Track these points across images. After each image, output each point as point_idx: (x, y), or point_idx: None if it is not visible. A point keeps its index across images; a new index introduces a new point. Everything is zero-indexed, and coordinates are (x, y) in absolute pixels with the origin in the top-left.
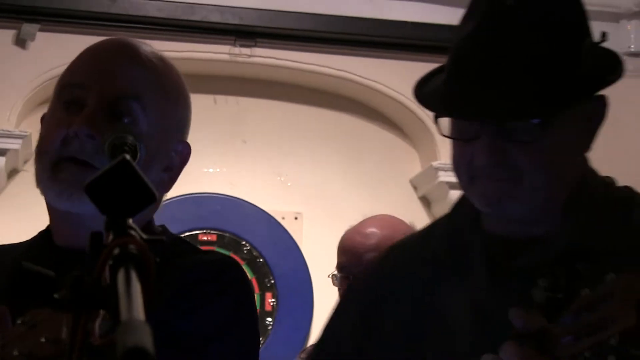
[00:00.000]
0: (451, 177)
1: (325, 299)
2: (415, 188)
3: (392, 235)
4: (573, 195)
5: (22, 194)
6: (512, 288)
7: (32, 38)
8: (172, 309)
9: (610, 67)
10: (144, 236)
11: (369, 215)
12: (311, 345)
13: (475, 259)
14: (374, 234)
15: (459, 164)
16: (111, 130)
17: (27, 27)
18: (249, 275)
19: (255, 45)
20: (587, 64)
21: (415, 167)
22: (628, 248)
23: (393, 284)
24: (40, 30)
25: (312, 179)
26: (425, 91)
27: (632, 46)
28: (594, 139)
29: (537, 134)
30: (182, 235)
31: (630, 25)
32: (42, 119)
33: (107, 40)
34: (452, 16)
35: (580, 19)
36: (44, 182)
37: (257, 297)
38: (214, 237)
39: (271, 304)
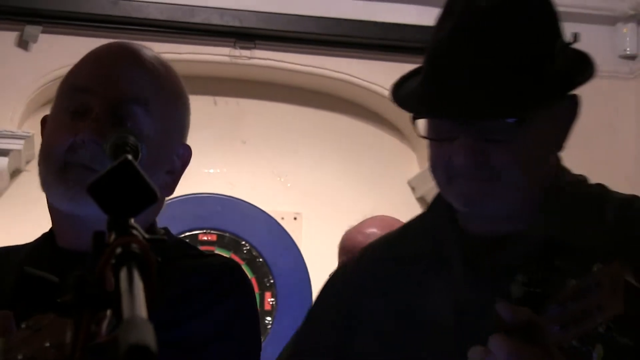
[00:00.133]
0: None
1: None
2: (413, 189)
3: None
4: (548, 192)
5: (24, 194)
6: (490, 284)
7: (35, 40)
8: (174, 311)
9: (581, 67)
10: (146, 236)
11: (367, 215)
12: None
13: (453, 257)
14: (374, 234)
15: (437, 164)
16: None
17: (29, 29)
18: (249, 275)
19: (254, 47)
20: (559, 64)
21: (413, 168)
22: (603, 243)
23: (371, 283)
24: (43, 32)
25: (311, 180)
26: (402, 93)
27: (628, 49)
28: (567, 137)
29: (513, 133)
30: (183, 235)
31: (626, 29)
32: (44, 121)
33: (110, 44)
34: None
35: (552, 20)
36: (49, 183)
37: (256, 296)
38: (214, 237)
39: (270, 303)
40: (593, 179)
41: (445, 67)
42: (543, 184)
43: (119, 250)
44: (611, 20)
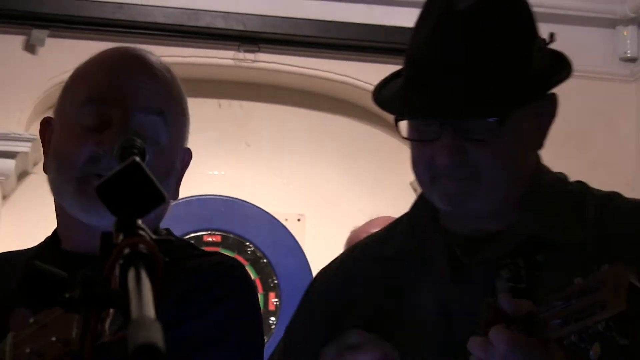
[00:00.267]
0: None
1: None
2: (415, 190)
3: None
4: (530, 190)
5: (32, 196)
6: (474, 282)
7: (42, 44)
8: (175, 311)
9: (559, 66)
10: (154, 236)
11: (371, 216)
12: None
13: (437, 256)
14: None
15: (419, 165)
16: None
17: (36, 33)
18: (253, 275)
19: (258, 51)
20: (537, 64)
21: None
22: (584, 239)
23: (356, 283)
24: (50, 36)
25: (314, 182)
26: (384, 95)
27: (629, 51)
28: (546, 135)
29: (494, 132)
30: (188, 237)
31: (626, 31)
32: (46, 123)
33: (117, 51)
34: None
35: (529, 21)
36: (67, 195)
37: (260, 297)
38: (218, 238)
39: (274, 303)
40: (594, 180)
41: (425, 69)
42: (524, 182)
43: (127, 250)
44: (612, 23)
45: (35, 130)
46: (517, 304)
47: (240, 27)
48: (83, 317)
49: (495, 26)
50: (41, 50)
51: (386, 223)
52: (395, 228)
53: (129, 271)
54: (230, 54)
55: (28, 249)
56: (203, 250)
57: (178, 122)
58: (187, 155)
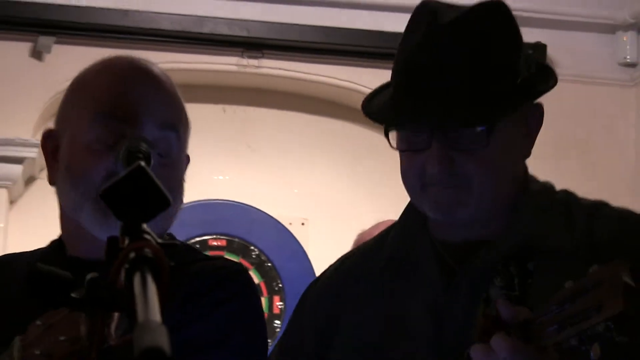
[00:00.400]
0: None
1: None
2: None
3: None
4: (519, 198)
5: (39, 201)
6: (465, 289)
7: (48, 50)
8: (180, 315)
9: (544, 76)
10: (159, 241)
11: (375, 219)
12: None
13: (427, 264)
14: None
15: (409, 174)
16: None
17: (43, 40)
18: (257, 279)
19: (262, 57)
20: (524, 75)
21: None
22: (575, 247)
23: (348, 292)
24: (56, 42)
25: (318, 186)
26: (373, 106)
27: (628, 57)
28: (533, 144)
29: (483, 141)
30: (193, 241)
31: (626, 37)
32: (48, 135)
33: (124, 63)
34: None
35: (514, 32)
36: (84, 212)
37: (265, 300)
38: (223, 242)
39: (279, 307)
40: (594, 185)
41: (413, 81)
42: (512, 190)
43: (132, 254)
44: (611, 28)
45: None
46: (515, 311)
47: (244, 34)
48: (89, 320)
49: (481, 38)
50: (48, 57)
51: None
52: (385, 237)
53: (134, 275)
54: (234, 60)
55: (32, 251)
56: (206, 255)
57: (185, 134)
58: (187, 161)
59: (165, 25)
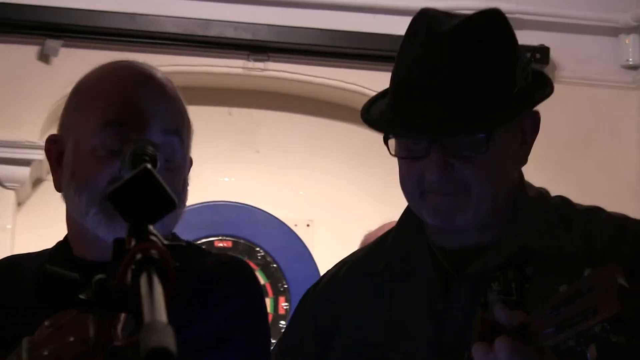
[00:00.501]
0: None
1: None
2: None
3: None
4: (516, 204)
5: (46, 203)
6: (464, 294)
7: (55, 53)
8: (183, 315)
9: (541, 85)
10: (165, 242)
11: (382, 220)
12: None
13: (425, 270)
14: None
15: (408, 181)
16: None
17: (50, 43)
18: (263, 280)
19: (268, 60)
20: (521, 83)
21: None
22: (573, 252)
23: (348, 294)
24: (63, 46)
25: (323, 188)
26: (372, 114)
27: (630, 59)
28: (529, 151)
29: (482, 148)
30: (199, 242)
31: (628, 39)
32: (53, 141)
33: (128, 70)
34: None
35: (511, 41)
36: (90, 215)
37: (270, 301)
38: (229, 244)
39: (284, 307)
40: (597, 186)
41: (413, 89)
42: (509, 196)
43: (139, 255)
44: (614, 31)
45: None
46: (511, 315)
47: (250, 37)
48: (96, 321)
49: (479, 46)
50: (55, 60)
51: None
52: (383, 243)
53: (141, 276)
54: (240, 63)
55: (39, 252)
56: (209, 252)
57: (188, 137)
58: (190, 164)
59: (172, 29)
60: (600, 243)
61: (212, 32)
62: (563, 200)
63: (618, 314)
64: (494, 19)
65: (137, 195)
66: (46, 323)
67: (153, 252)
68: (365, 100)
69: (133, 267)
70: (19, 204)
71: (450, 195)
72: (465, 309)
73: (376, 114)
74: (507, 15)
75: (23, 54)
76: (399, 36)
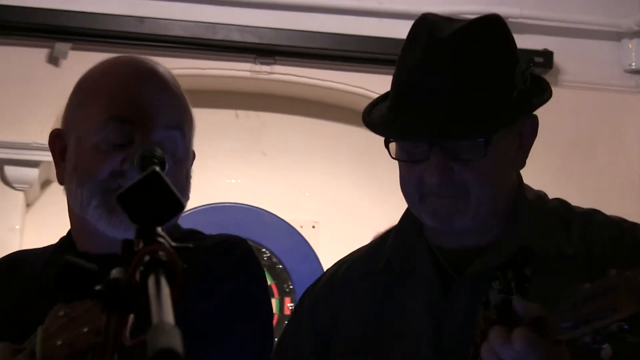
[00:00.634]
0: None
1: None
2: None
3: None
4: (515, 206)
5: (54, 204)
6: (464, 294)
7: (65, 56)
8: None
9: (540, 90)
10: (173, 244)
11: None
12: None
13: (425, 270)
14: None
15: (408, 184)
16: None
17: (59, 46)
18: (269, 280)
19: (274, 63)
20: (520, 88)
21: None
22: (573, 254)
23: (347, 293)
24: (72, 49)
25: (328, 190)
26: (373, 118)
27: (633, 63)
28: (527, 155)
29: (481, 152)
30: None
31: (631, 44)
32: (57, 135)
33: (132, 65)
34: None
35: (510, 46)
36: (91, 208)
37: (276, 301)
38: (238, 236)
39: (290, 308)
40: (599, 188)
41: (413, 93)
42: (507, 199)
43: (147, 257)
44: (617, 36)
45: None
46: (529, 306)
47: (257, 40)
48: (106, 320)
49: (479, 51)
50: (64, 63)
51: None
52: (383, 243)
53: (149, 278)
54: (247, 66)
55: (43, 247)
56: (206, 235)
57: (190, 131)
58: (193, 157)
59: (180, 32)
60: (599, 245)
61: (220, 35)
62: (561, 203)
63: (636, 314)
64: (493, 24)
65: (146, 198)
66: (61, 313)
67: (161, 254)
68: (369, 102)
69: (141, 268)
70: (28, 204)
71: (450, 198)
72: (465, 309)
73: (377, 117)
74: (511, 19)
75: (33, 56)
76: (403, 40)
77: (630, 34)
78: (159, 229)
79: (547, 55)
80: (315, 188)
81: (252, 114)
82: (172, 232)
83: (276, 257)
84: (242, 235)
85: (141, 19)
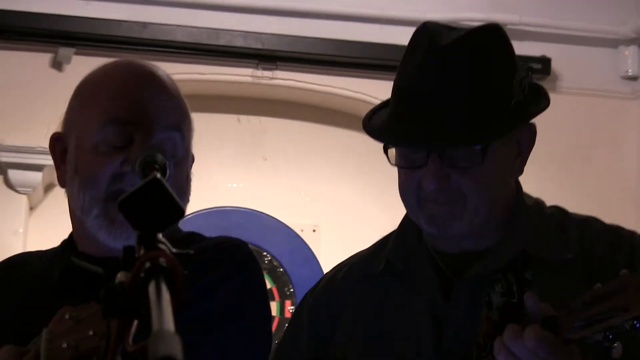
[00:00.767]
0: None
1: None
2: None
3: None
4: (514, 211)
5: (58, 207)
6: (464, 297)
7: (68, 61)
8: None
9: (537, 98)
10: (174, 250)
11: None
12: None
13: (425, 273)
14: None
15: (407, 189)
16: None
17: (63, 51)
18: (270, 284)
19: (276, 69)
20: (518, 96)
21: None
22: (572, 259)
23: (348, 294)
24: (76, 54)
25: (329, 194)
26: (374, 124)
27: (630, 70)
28: (525, 162)
29: (477, 160)
30: None
31: (627, 51)
32: (57, 138)
33: (132, 69)
34: None
35: (509, 55)
36: (92, 216)
37: (277, 304)
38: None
39: (290, 311)
40: (597, 194)
41: (413, 100)
42: (505, 205)
43: (147, 264)
44: (614, 43)
45: None
46: (542, 306)
47: (259, 46)
48: (106, 328)
49: (478, 60)
50: (67, 68)
51: None
52: (383, 246)
53: (149, 284)
54: (249, 71)
55: (45, 250)
56: (205, 237)
57: (189, 133)
58: (192, 161)
59: (183, 38)
60: (598, 251)
61: (222, 41)
62: (558, 210)
63: None
64: (493, 33)
65: (146, 204)
66: (66, 316)
67: (162, 260)
68: (370, 108)
69: (142, 275)
70: (31, 208)
71: (447, 204)
72: (465, 311)
73: (377, 124)
74: (510, 26)
75: (37, 61)
76: (403, 46)
77: (626, 41)
78: (160, 235)
79: (545, 61)
80: (315, 192)
81: (254, 118)
82: (172, 235)
83: (277, 260)
84: (243, 239)
85: (144, 24)
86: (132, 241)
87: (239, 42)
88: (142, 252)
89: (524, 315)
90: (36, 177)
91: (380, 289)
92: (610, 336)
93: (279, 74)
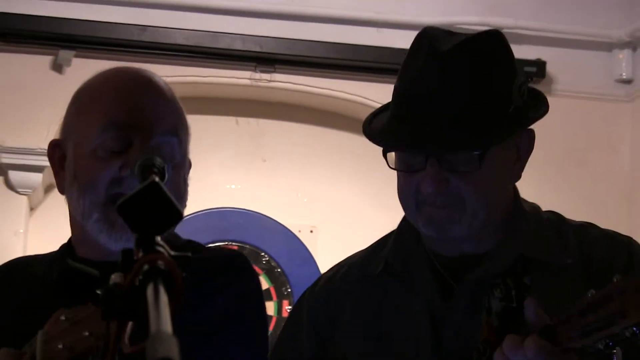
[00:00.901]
0: None
1: None
2: None
3: None
4: (511, 216)
5: (58, 208)
6: (463, 301)
7: (68, 64)
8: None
9: (536, 104)
10: (172, 253)
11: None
12: None
13: (423, 276)
14: None
15: (405, 193)
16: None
17: (63, 54)
18: (267, 284)
19: (274, 71)
20: (517, 102)
21: None
22: (567, 263)
23: (347, 294)
24: (76, 56)
25: (326, 195)
26: (373, 128)
27: (624, 73)
28: (524, 167)
29: (476, 164)
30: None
31: (621, 54)
32: (55, 146)
33: (129, 75)
34: None
35: (509, 61)
36: (92, 220)
37: (274, 304)
38: (235, 248)
39: (288, 311)
40: (591, 196)
41: (412, 105)
42: (503, 210)
43: (146, 267)
44: (608, 46)
45: None
46: (540, 316)
47: (257, 49)
48: (102, 329)
49: (478, 66)
50: (68, 70)
51: None
52: (381, 247)
53: (148, 286)
54: (248, 74)
55: (45, 254)
56: (205, 247)
57: (186, 137)
58: (189, 166)
59: (182, 41)
60: (596, 255)
61: (221, 44)
62: (555, 215)
63: None
64: (493, 39)
65: (145, 208)
66: (62, 317)
67: (160, 263)
68: (367, 110)
69: (140, 277)
70: (32, 209)
71: (445, 208)
72: (464, 315)
73: (377, 127)
74: (505, 30)
75: (37, 63)
76: (401, 49)
77: (620, 44)
78: (158, 238)
79: (540, 65)
80: (313, 193)
81: (252, 120)
82: (171, 242)
83: (275, 260)
84: (241, 239)
85: (143, 27)
86: (132, 244)
87: (237, 45)
88: (140, 254)
89: (523, 321)
90: (36, 178)
91: (379, 290)
92: (611, 343)
93: (277, 76)
